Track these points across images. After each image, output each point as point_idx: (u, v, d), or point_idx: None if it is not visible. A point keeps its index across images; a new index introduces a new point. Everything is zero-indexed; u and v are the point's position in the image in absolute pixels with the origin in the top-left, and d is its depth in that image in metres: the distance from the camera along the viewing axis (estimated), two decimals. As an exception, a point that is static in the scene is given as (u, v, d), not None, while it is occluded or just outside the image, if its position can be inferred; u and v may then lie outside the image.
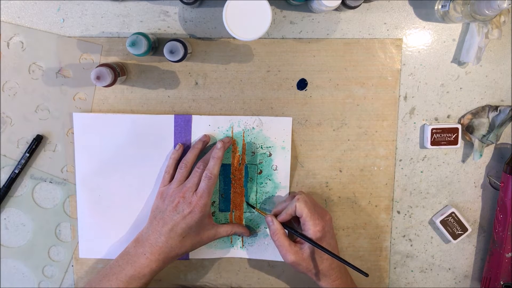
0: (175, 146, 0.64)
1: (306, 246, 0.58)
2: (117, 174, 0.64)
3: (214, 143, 0.63)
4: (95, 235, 0.65)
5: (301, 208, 0.58)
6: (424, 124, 0.65)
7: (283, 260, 0.66)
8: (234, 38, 0.55)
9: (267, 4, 0.52)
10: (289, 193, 0.65)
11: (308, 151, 0.65)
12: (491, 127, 0.64)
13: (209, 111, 0.64)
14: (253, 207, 0.65)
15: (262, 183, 0.65)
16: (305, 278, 0.68)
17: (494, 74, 0.65)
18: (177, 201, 0.58)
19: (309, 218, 0.57)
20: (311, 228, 0.57)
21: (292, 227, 0.60)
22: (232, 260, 0.67)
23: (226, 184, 0.65)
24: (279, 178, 0.65)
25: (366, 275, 0.55)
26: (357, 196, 0.66)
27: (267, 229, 0.66)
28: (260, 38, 0.53)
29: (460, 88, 0.65)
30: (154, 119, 0.63)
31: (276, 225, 0.59)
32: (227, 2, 0.52)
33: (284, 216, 0.60)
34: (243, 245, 0.66)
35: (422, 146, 0.66)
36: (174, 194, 0.59)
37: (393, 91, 0.64)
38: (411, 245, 0.68)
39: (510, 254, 0.64)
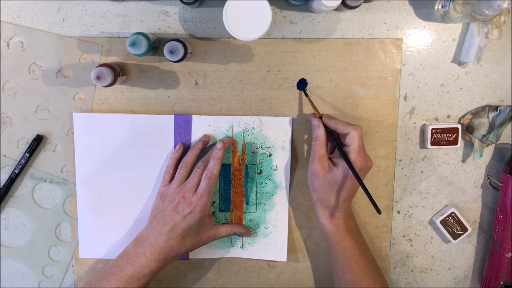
0: (175, 146, 0.64)
1: (336, 171, 0.56)
2: (117, 174, 0.64)
3: (214, 143, 0.63)
4: (95, 235, 0.65)
5: (354, 138, 0.55)
6: (424, 124, 0.65)
7: (283, 260, 0.66)
8: (234, 38, 0.55)
9: (267, 4, 0.52)
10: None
11: (308, 151, 0.65)
12: (491, 127, 0.64)
13: (209, 111, 0.64)
14: (306, 95, 0.61)
15: (262, 183, 0.65)
16: (305, 278, 0.68)
17: (494, 74, 0.65)
18: (177, 201, 0.58)
19: (355, 152, 0.55)
20: (352, 160, 0.55)
21: (335, 138, 0.58)
22: (232, 260, 0.67)
23: (226, 184, 0.65)
24: (279, 178, 0.65)
25: (379, 212, 0.54)
26: (357, 196, 0.66)
27: (267, 229, 0.66)
28: (260, 38, 0.53)
29: (460, 88, 0.65)
30: (154, 119, 0.63)
31: (322, 132, 0.57)
32: (227, 2, 0.52)
33: (331, 124, 0.57)
34: (243, 245, 0.66)
35: (422, 146, 0.66)
36: (174, 194, 0.59)
37: (393, 91, 0.64)
38: (411, 245, 0.68)
39: (510, 254, 0.64)
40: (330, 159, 0.59)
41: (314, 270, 0.68)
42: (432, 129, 0.64)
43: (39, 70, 0.63)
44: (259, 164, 0.65)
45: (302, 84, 0.63)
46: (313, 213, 0.66)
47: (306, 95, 0.62)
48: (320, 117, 0.60)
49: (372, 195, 0.66)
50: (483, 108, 0.65)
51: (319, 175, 0.57)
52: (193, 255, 0.66)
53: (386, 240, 0.68)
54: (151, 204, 0.64)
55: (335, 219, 0.58)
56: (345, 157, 0.56)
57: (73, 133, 0.63)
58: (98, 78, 0.56)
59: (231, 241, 0.66)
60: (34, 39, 0.62)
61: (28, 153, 0.63)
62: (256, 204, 0.66)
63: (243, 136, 0.64)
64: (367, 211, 0.67)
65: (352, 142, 0.56)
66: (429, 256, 0.69)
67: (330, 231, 0.59)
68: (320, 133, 0.57)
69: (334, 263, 0.61)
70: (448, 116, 0.66)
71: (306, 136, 0.65)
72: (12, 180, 0.64)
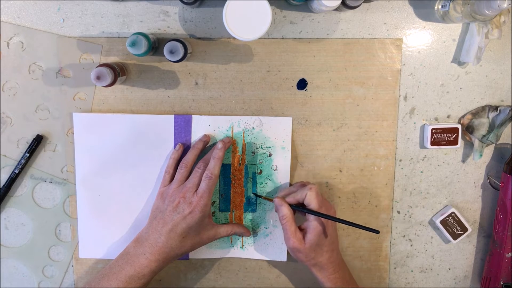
0: (175, 146, 0.64)
1: (310, 237, 0.58)
2: (117, 174, 0.64)
3: (214, 143, 0.63)
4: (95, 235, 0.65)
5: (311, 198, 0.58)
6: (424, 124, 0.65)
7: (283, 260, 0.66)
8: (234, 38, 0.55)
9: (267, 4, 0.52)
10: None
11: (308, 151, 0.65)
12: (491, 127, 0.64)
13: (209, 111, 0.64)
14: (260, 196, 0.64)
15: (262, 183, 0.65)
16: (305, 278, 0.68)
17: (494, 74, 0.65)
18: (177, 201, 0.58)
19: (316, 208, 0.58)
20: (316, 219, 0.58)
21: (299, 206, 0.60)
22: (232, 260, 0.67)
23: (226, 184, 0.65)
24: (279, 178, 0.65)
25: (377, 232, 0.56)
26: (357, 196, 0.66)
27: (267, 229, 0.66)
28: (260, 38, 0.53)
29: (460, 88, 0.65)
30: (154, 119, 0.63)
31: (286, 209, 0.59)
32: (227, 2, 0.52)
33: (290, 200, 0.60)
34: (243, 245, 0.66)
35: (422, 146, 0.66)
36: (175, 194, 0.59)
37: (393, 91, 0.64)
38: (411, 245, 0.68)
39: (510, 254, 0.64)
40: (299, 228, 0.60)
41: (314, 270, 0.68)
42: (432, 129, 0.64)
43: (39, 70, 0.63)
44: (259, 164, 0.65)
45: (302, 84, 0.63)
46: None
47: (259, 196, 0.64)
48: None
49: (372, 195, 0.66)
50: (483, 108, 0.65)
51: (300, 249, 0.58)
52: (193, 255, 0.66)
53: (386, 240, 0.68)
54: (151, 204, 0.64)
55: (332, 275, 0.60)
56: (312, 211, 0.58)
57: (73, 133, 0.63)
58: (98, 78, 0.56)
59: (231, 241, 0.66)
60: (34, 39, 0.62)
61: (28, 153, 0.63)
62: (256, 204, 0.66)
63: (243, 136, 0.64)
64: (367, 211, 0.67)
65: (311, 202, 0.58)
66: (429, 256, 0.69)
67: (330, 287, 0.60)
68: (285, 211, 0.59)
69: None
70: (448, 116, 0.66)
71: (306, 136, 0.65)
72: (12, 180, 0.64)
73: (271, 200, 0.63)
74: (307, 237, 0.58)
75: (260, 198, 0.65)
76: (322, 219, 0.58)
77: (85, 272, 0.66)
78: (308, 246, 0.58)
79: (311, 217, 0.58)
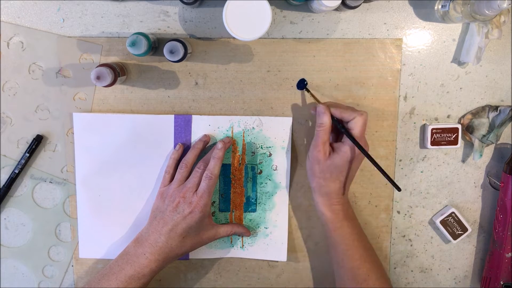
0: (175, 146, 0.64)
1: (337, 157, 0.57)
2: (117, 174, 0.64)
3: (214, 143, 0.63)
4: (95, 235, 0.65)
5: (358, 123, 0.57)
6: (424, 124, 0.65)
7: (283, 260, 0.66)
8: (234, 38, 0.55)
9: (267, 4, 0.52)
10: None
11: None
12: (491, 127, 0.64)
13: (209, 111, 0.64)
14: (308, 90, 0.61)
15: (262, 183, 0.65)
16: (305, 278, 0.68)
17: (494, 74, 0.65)
18: (177, 201, 0.58)
19: (357, 137, 0.57)
20: (349, 145, 0.57)
21: (340, 121, 0.58)
22: (232, 260, 0.67)
23: (226, 184, 0.65)
24: (279, 178, 0.65)
25: (399, 189, 0.56)
26: (357, 196, 0.66)
27: (267, 229, 0.66)
28: (260, 38, 0.53)
29: (460, 88, 0.65)
30: (154, 119, 0.63)
31: (327, 118, 0.57)
32: (227, 2, 0.52)
33: (336, 113, 0.58)
34: (243, 245, 0.66)
35: (422, 146, 0.66)
36: (175, 194, 0.59)
37: (393, 91, 0.64)
38: (411, 245, 0.68)
39: (510, 254, 0.64)
40: (330, 144, 0.59)
41: (314, 270, 0.68)
42: (432, 129, 0.64)
43: (39, 70, 0.63)
44: (259, 164, 0.65)
45: (302, 84, 0.63)
46: (313, 213, 0.66)
47: (308, 90, 0.62)
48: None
49: (372, 195, 0.66)
50: (483, 108, 0.65)
51: (321, 161, 0.57)
52: (193, 255, 0.66)
53: (386, 240, 0.68)
54: (151, 204, 0.64)
55: (334, 206, 0.59)
56: (352, 138, 0.57)
57: (73, 133, 0.63)
58: (98, 78, 0.56)
59: (231, 241, 0.66)
60: (34, 39, 0.62)
61: (28, 153, 0.63)
62: (256, 204, 0.66)
63: (243, 136, 0.64)
64: (367, 211, 0.67)
65: (355, 127, 0.57)
66: (429, 256, 0.69)
67: (329, 218, 0.59)
68: (325, 119, 0.57)
69: (333, 250, 0.61)
70: (448, 116, 0.66)
71: (306, 136, 0.65)
72: (12, 180, 0.64)
73: (318, 101, 0.60)
74: (333, 156, 0.57)
75: (260, 198, 0.65)
76: (356, 150, 0.56)
77: (85, 272, 0.66)
78: (329, 163, 0.57)
79: (347, 141, 0.57)
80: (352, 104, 0.64)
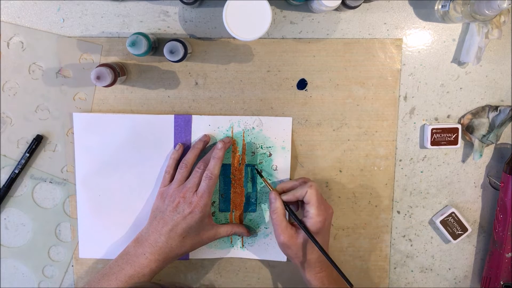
0: (175, 146, 0.64)
1: (302, 233, 0.58)
2: (117, 174, 0.64)
3: (214, 143, 0.63)
4: (95, 235, 0.65)
5: (312, 195, 0.58)
6: (424, 124, 0.65)
7: (283, 260, 0.66)
8: (234, 38, 0.55)
9: (267, 4, 0.52)
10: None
11: (308, 151, 0.65)
12: (491, 127, 0.64)
13: (209, 111, 0.64)
14: (261, 176, 0.63)
15: (262, 183, 0.65)
16: (305, 278, 0.68)
17: (494, 74, 0.65)
18: (177, 201, 0.58)
19: (315, 207, 0.57)
20: (313, 217, 0.57)
21: (292, 210, 0.60)
22: (232, 260, 0.67)
23: (226, 184, 0.65)
24: (279, 178, 0.65)
25: (351, 285, 0.55)
26: (357, 196, 0.66)
27: (267, 229, 0.66)
28: (260, 38, 0.53)
29: (460, 88, 0.65)
30: (154, 119, 0.63)
31: (279, 204, 0.59)
32: (227, 2, 0.52)
33: (289, 197, 0.59)
34: (243, 245, 0.66)
35: (422, 146, 0.66)
36: (175, 194, 0.59)
37: (393, 91, 0.64)
38: (411, 245, 0.68)
39: (510, 254, 0.64)
40: (291, 223, 0.60)
41: (314, 270, 0.68)
42: (432, 129, 0.64)
43: (39, 70, 0.63)
44: (259, 164, 0.65)
45: (302, 84, 0.63)
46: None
47: (261, 176, 0.63)
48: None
49: (372, 195, 0.67)
50: (483, 108, 0.65)
51: (290, 244, 0.58)
52: (193, 255, 0.66)
53: (386, 240, 0.68)
54: (151, 204, 0.64)
55: (318, 274, 0.59)
56: (302, 225, 0.58)
57: (73, 133, 0.63)
58: (98, 78, 0.56)
59: (231, 241, 0.66)
60: (34, 39, 0.62)
61: (28, 153, 0.63)
62: (256, 204, 0.66)
63: (243, 136, 0.64)
64: (367, 211, 0.67)
65: (311, 199, 0.58)
66: (429, 256, 0.69)
67: (317, 286, 0.60)
68: (277, 205, 0.59)
69: None
70: (448, 116, 0.66)
71: (306, 136, 0.65)
72: (12, 180, 0.64)
73: (269, 186, 0.62)
74: (299, 234, 0.58)
75: (260, 198, 0.65)
76: (318, 216, 0.57)
77: (85, 272, 0.66)
78: (298, 242, 0.58)
79: (309, 214, 0.58)
80: (352, 104, 0.64)
